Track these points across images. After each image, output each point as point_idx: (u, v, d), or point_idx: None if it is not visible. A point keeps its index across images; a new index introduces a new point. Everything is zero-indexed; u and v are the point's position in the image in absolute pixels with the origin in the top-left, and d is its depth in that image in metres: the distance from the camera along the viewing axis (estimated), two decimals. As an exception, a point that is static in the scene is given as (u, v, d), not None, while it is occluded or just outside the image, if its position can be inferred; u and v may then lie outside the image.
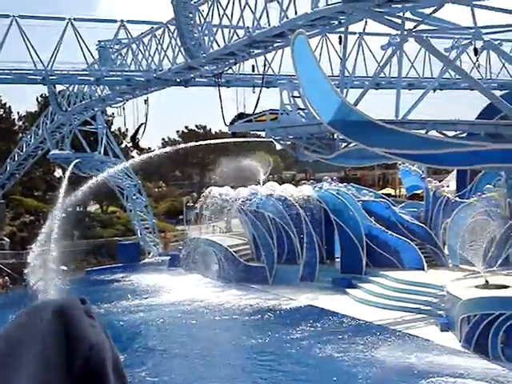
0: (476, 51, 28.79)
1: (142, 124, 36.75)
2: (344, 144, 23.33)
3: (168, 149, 38.54)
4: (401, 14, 21.90)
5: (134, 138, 37.66)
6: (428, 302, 25.37)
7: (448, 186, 36.51)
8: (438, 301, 24.71)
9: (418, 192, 38.88)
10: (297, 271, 32.90)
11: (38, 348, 1.14)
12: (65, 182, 35.54)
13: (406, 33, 22.26)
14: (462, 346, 21.06)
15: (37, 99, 57.66)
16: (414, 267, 29.76)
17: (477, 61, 32.19)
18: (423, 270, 29.41)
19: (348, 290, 29.62)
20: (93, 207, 62.27)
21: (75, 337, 1.16)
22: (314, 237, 32.89)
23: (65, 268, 42.31)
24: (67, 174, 38.22)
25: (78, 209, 57.57)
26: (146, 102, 35.37)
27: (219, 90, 28.67)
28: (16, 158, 49.66)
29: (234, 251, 35.85)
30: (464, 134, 22.46)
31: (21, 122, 60.37)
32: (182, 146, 37.60)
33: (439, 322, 23.22)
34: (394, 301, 26.55)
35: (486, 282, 22.81)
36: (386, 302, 26.68)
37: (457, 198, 32.66)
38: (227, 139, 31.87)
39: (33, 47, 30.91)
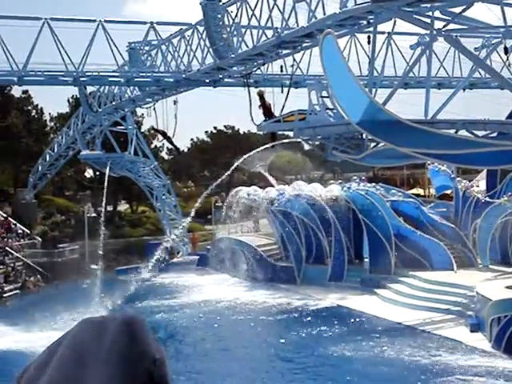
0: (506, 50, 28.44)
1: (166, 135, 36.99)
2: (373, 144, 23.31)
3: None
4: (430, 14, 21.80)
5: (166, 137, 37.86)
6: (458, 303, 25.19)
7: (478, 186, 36.17)
8: (468, 301, 24.52)
9: (448, 192, 38.60)
10: (325, 271, 32.87)
11: (103, 359, 1.19)
12: (105, 184, 36.18)
13: (435, 32, 22.16)
14: (491, 347, 20.89)
15: (68, 100, 58.40)
16: (444, 268, 29.56)
17: (507, 60, 31.83)
18: (453, 270, 29.21)
19: (377, 291, 29.52)
20: (123, 207, 62.86)
21: (140, 351, 1.22)
22: (343, 237, 32.82)
23: (95, 267, 42.85)
24: (106, 176, 38.79)
25: (108, 208, 58.20)
26: (175, 102, 35.63)
27: (248, 90, 28.76)
28: (48, 159, 50.32)
29: (263, 251, 35.95)
30: (494, 134, 22.29)
31: (52, 123, 61.16)
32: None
33: (469, 323, 23.04)
34: (423, 301, 26.40)
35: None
36: (415, 303, 26.53)
37: (487, 198, 32.37)
38: (267, 145, 31.77)
39: (64, 49, 31.32)
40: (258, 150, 32.88)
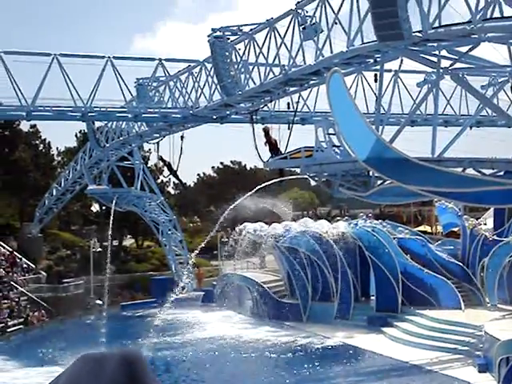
0: (513, 89, 28.62)
1: (171, 167, 37.06)
2: (379, 181, 23.25)
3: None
4: (437, 52, 21.92)
5: (171, 171, 37.92)
6: (465, 342, 24.89)
7: (485, 224, 35.97)
8: (476, 341, 24.24)
9: (455, 229, 38.42)
10: (331, 309, 32.60)
11: None
12: (111, 218, 36.16)
13: (442, 71, 22.27)
14: (500, 388, 20.58)
15: (76, 135, 58.72)
16: (451, 306, 29.29)
17: (514, 98, 31.98)
18: (460, 309, 28.92)
19: (383, 329, 29.22)
20: (128, 241, 62.78)
21: None
22: (349, 274, 32.62)
23: (100, 302, 42.66)
24: (112, 210, 38.79)
25: (113, 243, 58.11)
26: (182, 138, 35.74)
27: (253, 127, 28.86)
28: (54, 193, 50.42)
29: (268, 287, 35.72)
30: (501, 172, 22.23)
31: (60, 158, 61.42)
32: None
33: (477, 363, 22.72)
34: (430, 340, 26.10)
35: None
36: (423, 342, 26.23)
37: (494, 237, 32.18)
38: (274, 179, 31.85)
39: (73, 85, 31.57)
40: (266, 184, 32.84)
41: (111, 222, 35.85)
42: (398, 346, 26.88)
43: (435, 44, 21.25)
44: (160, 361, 26.51)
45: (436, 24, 19.95)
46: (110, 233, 35.41)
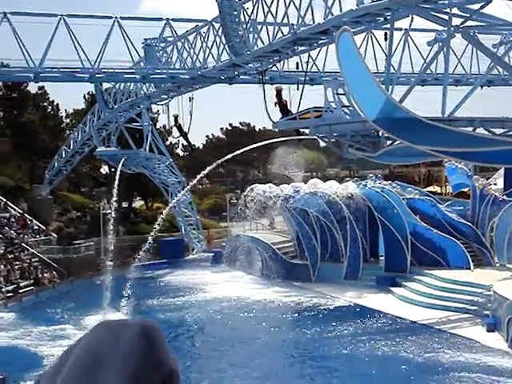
0: (525, 47, 28.27)
1: (182, 129, 36.94)
2: (389, 142, 23.13)
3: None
4: (448, 10, 21.61)
5: (182, 133, 37.81)
6: (474, 302, 25.02)
7: (496, 184, 35.89)
8: (485, 301, 24.36)
9: (465, 190, 38.31)
10: (340, 269, 32.75)
11: (119, 366, 1.16)
12: (116, 181, 36.05)
13: (452, 29, 21.97)
14: (508, 347, 20.71)
15: (84, 97, 58.54)
16: (460, 266, 29.37)
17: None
18: (469, 269, 29.01)
19: (392, 289, 29.38)
20: (138, 203, 63.00)
21: (157, 360, 1.19)
22: (358, 235, 32.68)
23: (110, 263, 42.96)
24: (117, 172, 38.72)
25: (123, 205, 58.38)
26: (190, 99, 35.58)
27: (263, 87, 28.65)
28: (63, 155, 50.49)
29: (278, 248, 35.87)
30: (512, 132, 22.06)
31: (68, 120, 61.34)
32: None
33: (485, 322, 22.87)
34: (439, 300, 26.24)
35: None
36: (431, 302, 26.38)
37: (504, 197, 32.10)
38: (279, 139, 31.86)
39: (80, 46, 31.37)
40: (280, 140, 32.56)
41: (116, 184, 35.67)
42: (407, 305, 27.04)
43: (446, 1, 20.95)
44: (169, 321, 26.75)
45: (447, -19, 19.63)
46: (114, 194, 35.21)
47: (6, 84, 52.82)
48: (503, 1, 20.62)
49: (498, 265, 30.08)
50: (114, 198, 34.50)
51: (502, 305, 21.75)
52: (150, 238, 31.57)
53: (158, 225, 33.05)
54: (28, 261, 38.39)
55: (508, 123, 21.91)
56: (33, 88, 55.40)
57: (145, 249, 31.77)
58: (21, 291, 34.08)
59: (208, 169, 35.32)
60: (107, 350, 1.17)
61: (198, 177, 35.75)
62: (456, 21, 21.91)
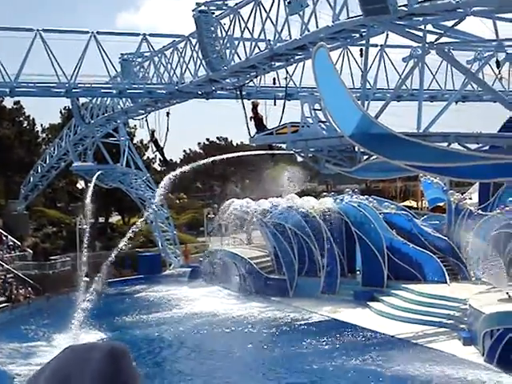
0: (498, 63, 28.63)
1: (158, 144, 36.83)
2: (365, 157, 23.26)
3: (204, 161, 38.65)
4: (422, 27, 21.84)
5: (158, 148, 37.69)
6: (450, 316, 25.16)
7: (471, 199, 36.21)
8: (461, 315, 24.51)
9: (440, 204, 38.62)
10: (318, 284, 32.79)
11: None
12: (89, 194, 35.64)
13: (427, 45, 22.20)
14: (484, 361, 20.84)
15: (60, 111, 58.25)
16: (436, 280, 29.56)
17: (499, 73, 31.99)
18: (445, 283, 29.19)
19: (369, 303, 29.46)
20: (114, 218, 62.66)
21: (124, 381, 1.20)
22: (335, 249, 32.78)
23: (86, 279, 42.57)
24: (91, 186, 38.37)
25: (99, 220, 57.99)
26: (168, 114, 35.52)
27: (242, 102, 28.68)
28: (39, 170, 50.13)
29: (255, 263, 35.86)
30: (486, 147, 22.29)
31: (44, 134, 60.97)
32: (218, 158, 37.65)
33: (462, 336, 23.00)
34: (415, 314, 26.36)
35: (509, 295, 22.57)
36: (408, 316, 26.49)
37: (479, 211, 32.39)
38: (256, 151, 31.84)
39: (56, 60, 31.18)
40: (252, 153, 32.60)
41: (90, 198, 35.15)
42: (384, 320, 27.13)
43: (421, 18, 21.16)
44: (147, 337, 26.57)
45: (422, -2, 19.85)
46: (89, 208, 34.67)
47: (-19, 99, 52.43)
48: (476, 18, 20.88)
49: (473, 279, 30.28)
50: (89, 213, 34.03)
51: (478, 319, 21.90)
52: (114, 251, 31.07)
53: (130, 238, 32.56)
54: (3, 277, 37.93)
55: (482, 138, 22.12)
56: (8, 103, 55.06)
57: (107, 263, 31.23)
58: (-5, 308, 33.67)
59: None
60: (75, 372, 1.18)
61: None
62: (431, 37, 22.14)
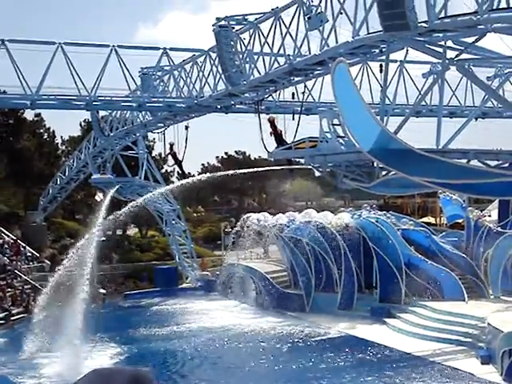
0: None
1: (176, 157, 36.94)
2: (384, 172, 23.20)
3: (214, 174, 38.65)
4: (442, 43, 21.82)
5: (177, 161, 37.80)
6: (468, 334, 24.89)
7: (490, 216, 35.97)
8: (479, 333, 24.24)
9: (459, 221, 38.36)
10: (334, 299, 32.61)
11: None
12: (105, 206, 35.71)
13: (447, 61, 22.16)
14: (503, 380, 20.57)
15: (80, 124, 58.69)
16: (455, 298, 29.26)
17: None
18: (464, 300, 28.90)
19: (386, 320, 29.24)
20: (132, 231, 62.83)
21: None
22: (353, 265, 32.60)
23: (103, 291, 42.71)
24: (108, 198, 38.52)
25: (117, 232, 58.17)
26: (186, 128, 35.68)
27: (259, 117, 28.79)
28: (59, 182, 50.48)
29: (272, 277, 35.75)
30: (506, 164, 22.16)
31: (64, 147, 61.46)
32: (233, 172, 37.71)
33: (480, 355, 22.73)
34: (433, 332, 26.11)
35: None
36: (426, 333, 26.24)
37: (499, 228, 32.14)
38: (275, 167, 31.78)
39: (77, 73, 31.48)
40: (272, 168, 32.48)
41: (105, 210, 35.13)
42: (401, 336, 26.90)
43: (441, 34, 21.14)
44: (162, 350, 26.55)
45: (442, 14, 19.84)
46: (100, 219, 34.43)
47: (3, 111, 52.95)
48: (497, 35, 20.83)
49: (492, 297, 29.99)
50: (100, 226, 33.91)
51: (496, 337, 21.65)
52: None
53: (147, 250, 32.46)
54: (20, 288, 38.15)
55: (502, 155, 22.03)
56: (29, 115, 55.56)
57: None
58: (13, 318, 33.82)
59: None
60: None
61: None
62: (451, 53, 22.13)
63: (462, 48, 21.90)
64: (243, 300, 36.65)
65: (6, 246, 43.29)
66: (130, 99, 34.22)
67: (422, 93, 29.64)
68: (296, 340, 27.75)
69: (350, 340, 27.29)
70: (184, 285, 45.32)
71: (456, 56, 22.15)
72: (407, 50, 28.51)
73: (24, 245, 44.70)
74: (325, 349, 25.82)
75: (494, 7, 18.37)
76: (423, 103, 31.00)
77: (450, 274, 30.27)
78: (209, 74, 31.15)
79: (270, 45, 26.83)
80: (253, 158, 77.59)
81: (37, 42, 32.50)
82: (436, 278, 30.45)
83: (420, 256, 31.47)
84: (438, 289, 30.18)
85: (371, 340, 26.65)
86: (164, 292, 42.19)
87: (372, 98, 32.22)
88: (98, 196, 61.52)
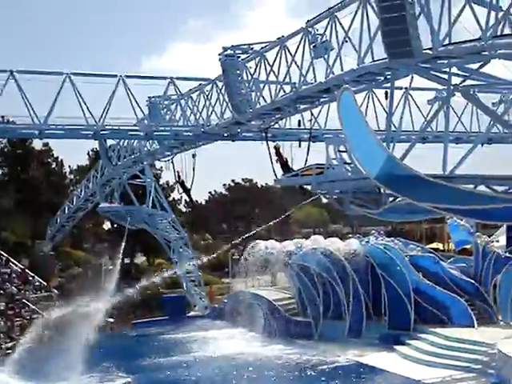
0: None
1: (184, 185, 37.09)
2: (391, 198, 23.21)
3: None
4: (447, 69, 21.94)
5: (185, 189, 37.90)
6: (478, 361, 24.69)
7: (498, 241, 35.81)
8: (489, 359, 24.05)
9: (467, 247, 38.23)
10: (343, 327, 32.44)
11: None
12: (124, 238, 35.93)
13: (452, 88, 22.27)
14: (514, 407, 20.38)
15: (88, 153, 59.06)
16: (464, 324, 29.09)
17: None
18: (473, 326, 28.71)
19: (396, 347, 29.02)
20: (140, 259, 62.88)
21: None
22: (361, 292, 32.47)
23: (111, 320, 42.61)
24: (127, 228, 38.69)
25: (125, 260, 58.20)
26: (193, 156, 35.85)
27: (267, 144, 28.95)
28: (66, 211, 50.62)
29: (279, 305, 35.61)
30: (513, 189, 22.13)
31: (72, 176, 61.79)
32: None
33: (490, 382, 22.56)
34: (443, 358, 25.90)
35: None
36: (435, 360, 26.04)
37: (507, 254, 32.01)
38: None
39: (85, 103, 31.75)
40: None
41: (124, 240, 35.39)
42: (411, 364, 26.69)
43: (446, 61, 21.27)
44: (169, 379, 26.41)
45: (446, 41, 19.98)
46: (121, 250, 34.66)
47: (11, 140, 53.38)
48: (501, 61, 20.93)
49: (502, 322, 29.80)
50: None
51: (507, 363, 21.49)
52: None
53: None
54: (28, 317, 38.09)
55: (509, 181, 22.00)
56: (37, 144, 55.98)
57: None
58: (21, 348, 33.67)
59: None
60: None
61: None
62: (456, 80, 22.24)
63: (467, 74, 22.02)
64: (251, 328, 36.48)
65: (14, 275, 43.29)
66: (137, 128, 34.45)
67: (427, 119, 29.72)
68: (304, 368, 27.56)
69: (359, 368, 27.09)
70: (192, 313, 45.17)
71: (461, 82, 22.26)
72: (412, 77, 28.66)
73: (32, 274, 44.71)
74: (334, 377, 25.63)
75: (498, 33, 18.51)
76: (429, 129, 31.07)
77: (459, 300, 30.12)
78: (215, 103, 31.37)
79: (276, 73, 27.02)
80: (260, 186, 77.77)
81: (45, 72, 32.81)
82: (445, 304, 30.30)
83: (428, 282, 31.35)
84: (447, 315, 30.02)
85: (380, 367, 26.45)
86: (172, 320, 42.06)
87: (378, 124, 32.33)
88: (106, 225, 61.78)
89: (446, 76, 22.02)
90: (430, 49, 20.16)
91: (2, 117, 38.08)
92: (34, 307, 39.50)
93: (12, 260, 45.67)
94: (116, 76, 32.99)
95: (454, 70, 22.00)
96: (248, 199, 73.49)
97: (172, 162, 38.07)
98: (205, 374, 27.13)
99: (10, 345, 33.70)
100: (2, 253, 45.79)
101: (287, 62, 26.35)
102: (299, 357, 29.61)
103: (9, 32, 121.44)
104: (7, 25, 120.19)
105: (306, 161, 26.89)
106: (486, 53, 19.62)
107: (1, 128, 35.34)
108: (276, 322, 35.05)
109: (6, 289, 40.16)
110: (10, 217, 58.02)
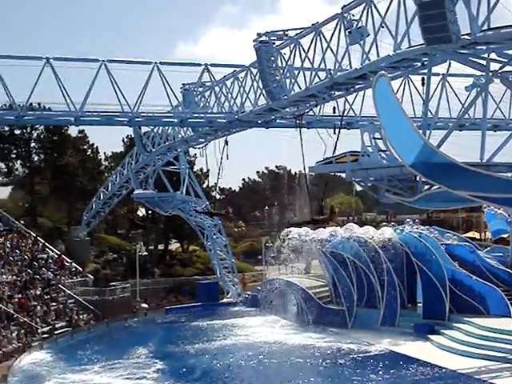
0: None
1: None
2: (426, 186, 22.92)
3: None
4: (486, 55, 21.55)
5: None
6: (515, 351, 24.34)
7: (536, 231, 35.25)
8: (526, 350, 23.70)
9: (504, 236, 37.68)
10: (377, 315, 32.22)
11: None
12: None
13: (491, 74, 21.87)
14: (551, 399, 20.06)
15: (123, 140, 59.43)
16: (500, 314, 28.68)
17: None
18: (510, 317, 28.29)
19: (430, 336, 28.73)
20: (174, 246, 63.23)
21: None
22: (395, 280, 32.19)
23: (146, 306, 43.02)
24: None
25: (159, 247, 58.66)
26: (226, 142, 35.85)
27: (300, 131, 28.85)
28: (101, 197, 51.11)
29: (313, 293, 35.50)
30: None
31: (107, 162, 62.30)
32: None
33: (527, 373, 22.21)
34: (478, 349, 25.56)
35: None
36: (471, 350, 25.71)
37: (545, 243, 31.49)
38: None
39: (120, 90, 31.95)
40: None
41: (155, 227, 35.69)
42: (446, 353, 26.39)
43: (484, 47, 20.91)
44: (201, 366, 26.51)
45: (485, 26, 19.62)
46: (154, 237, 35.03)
47: (47, 127, 53.95)
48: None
49: (539, 313, 29.32)
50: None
51: (544, 355, 21.15)
52: None
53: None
54: (64, 302, 38.63)
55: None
56: (73, 131, 56.51)
57: None
58: (56, 332, 34.20)
59: None
60: None
61: None
62: (494, 66, 21.84)
63: (506, 60, 21.60)
64: (284, 315, 36.45)
65: (51, 260, 43.91)
66: (171, 115, 34.54)
67: (465, 106, 29.27)
68: (338, 356, 27.43)
69: (393, 357, 26.86)
70: (225, 299, 45.32)
71: (500, 68, 21.85)
72: (450, 63, 28.26)
73: (68, 259, 45.30)
74: (367, 365, 25.45)
75: (539, 18, 18.11)
76: (466, 116, 30.60)
77: (495, 290, 29.68)
78: (250, 90, 31.31)
79: (311, 59, 26.85)
80: (293, 173, 77.61)
81: (80, 59, 33.08)
82: (481, 294, 29.91)
83: (464, 271, 30.98)
84: (483, 305, 29.62)
85: (414, 357, 26.19)
86: (205, 307, 42.23)
87: (414, 111, 32.02)
88: (140, 211, 62.21)
89: (484, 62, 21.65)
90: (468, 34, 19.82)
91: (39, 104, 38.47)
92: (69, 292, 40.04)
93: (48, 245, 46.32)
94: (151, 63, 33.09)
95: (493, 55, 21.63)
96: (281, 186, 73.35)
97: (205, 149, 38.17)
98: (236, 361, 27.16)
99: (46, 329, 34.19)
100: (39, 238, 46.47)
101: (322, 48, 26.16)
102: (332, 345, 29.47)
103: (45, 19, 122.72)
104: (43, 13, 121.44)
105: (335, 147, 26.67)
106: (526, 38, 19.23)
107: (37, 115, 35.72)
108: (309, 310, 34.96)
109: (43, 274, 40.75)
110: (46, 203, 58.84)
